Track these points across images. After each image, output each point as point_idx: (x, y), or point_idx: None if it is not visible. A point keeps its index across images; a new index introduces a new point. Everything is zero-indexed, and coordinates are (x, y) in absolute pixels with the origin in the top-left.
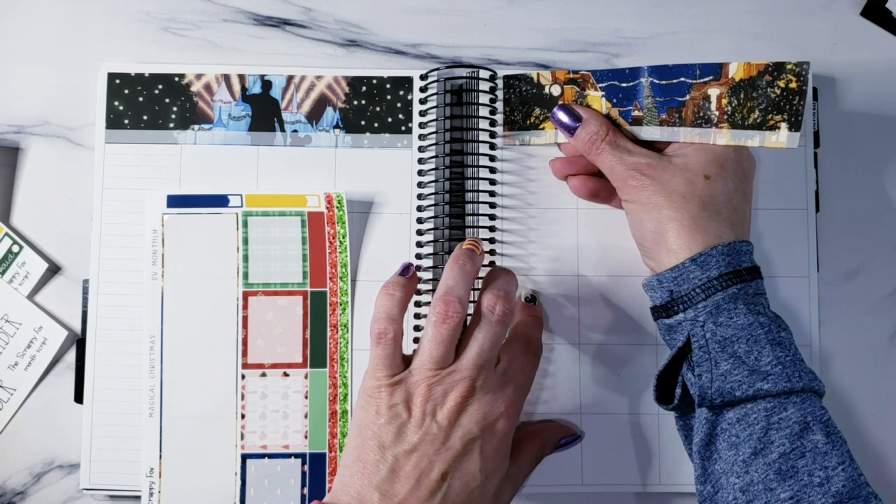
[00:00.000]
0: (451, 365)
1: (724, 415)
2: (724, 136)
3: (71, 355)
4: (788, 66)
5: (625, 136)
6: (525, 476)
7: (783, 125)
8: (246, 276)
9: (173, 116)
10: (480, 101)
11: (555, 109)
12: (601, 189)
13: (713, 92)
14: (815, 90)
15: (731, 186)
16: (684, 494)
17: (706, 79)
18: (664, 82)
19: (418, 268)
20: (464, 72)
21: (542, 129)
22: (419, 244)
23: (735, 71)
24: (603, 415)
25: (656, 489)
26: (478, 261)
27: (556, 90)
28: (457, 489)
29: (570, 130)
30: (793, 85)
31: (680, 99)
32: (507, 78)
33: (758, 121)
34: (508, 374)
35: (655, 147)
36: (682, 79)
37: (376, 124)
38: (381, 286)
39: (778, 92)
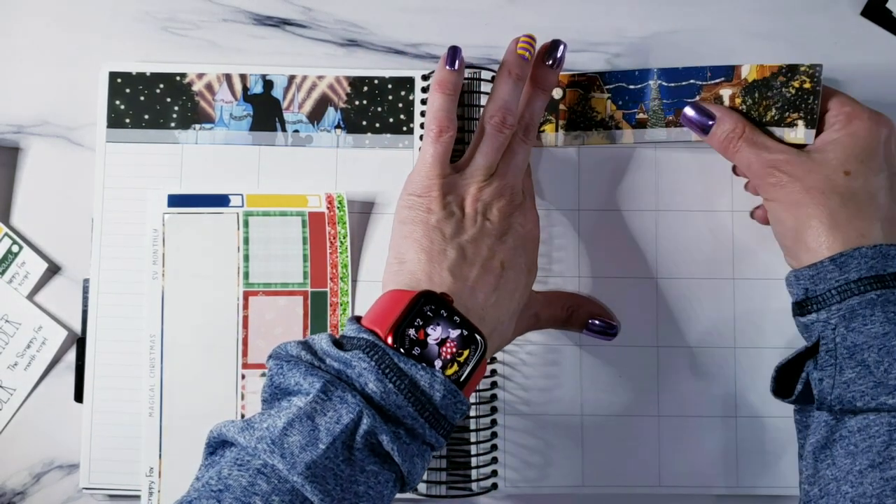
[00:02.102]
0: (495, 173)
1: (846, 422)
2: None
3: (71, 355)
4: (802, 69)
5: (763, 132)
6: (548, 311)
7: (800, 122)
8: (246, 275)
9: (174, 116)
10: (482, 101)
11: (685, 109)
12: None
13: (725, 92)
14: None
15: (876, 182)
16: (684, 496)
17: (717, 80)
18: (673, 84)
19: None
20: (465, 72)
21: (542, 130)
22: None
23: (748, 72)
24: (603, 416)
25: (656, 491)
26: (527, 68)
27: (557, 93)
28: (511, 280)
29: (704, 129)
30: (807, 85)
31: (689, 100)
32: None
33: (776, 118)
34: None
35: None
36: (691, 81)
37: (378, 124)
38: (433, 84)
39: (793, 91)
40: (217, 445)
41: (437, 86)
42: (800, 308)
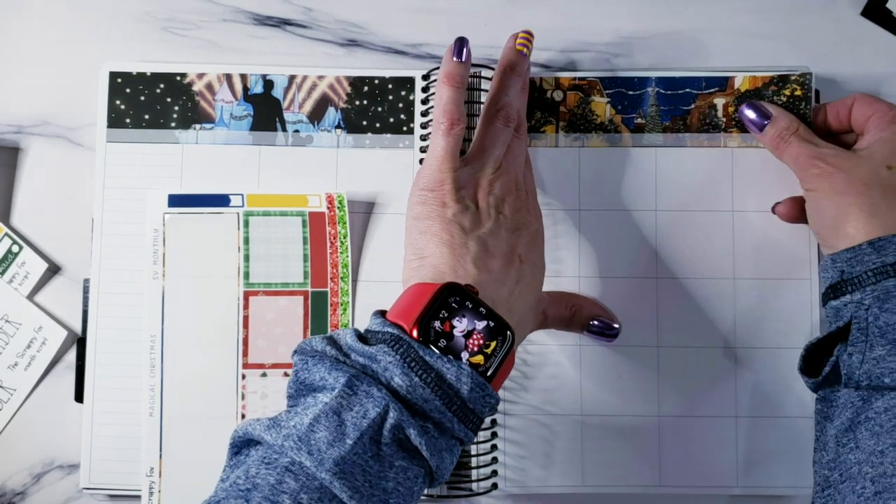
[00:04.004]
0: (500, 167)
1: (873, 404)
2: (734, 140)
3: (71, 355)
4: (793, 78)
5: (814, 132)
6: (553, 310)
7: None
8: (247, 275)
9: (175, 116)
10: (482, 100)
11: (742, 107)
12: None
13: (719, 101)
14: (816, 92)
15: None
16: (684, 496)
17: (712, 90)
18: (669, 92)
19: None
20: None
21: (543, 131)
22: None
23: (741, 83)
24: (603, 416)
25: (656, 491)
26: (525, 64)
27: (557, 95)
28: (528, 273)
29: (759, 127)
30: (798, 93)
31: (684, 108)
32: None
33: None
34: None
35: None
36: (687, 89)
37: (378, 124)
38: (441, 77)
39: (784, 99)
40: (242, 445)
41: (445, 79)
42: (833, 291)
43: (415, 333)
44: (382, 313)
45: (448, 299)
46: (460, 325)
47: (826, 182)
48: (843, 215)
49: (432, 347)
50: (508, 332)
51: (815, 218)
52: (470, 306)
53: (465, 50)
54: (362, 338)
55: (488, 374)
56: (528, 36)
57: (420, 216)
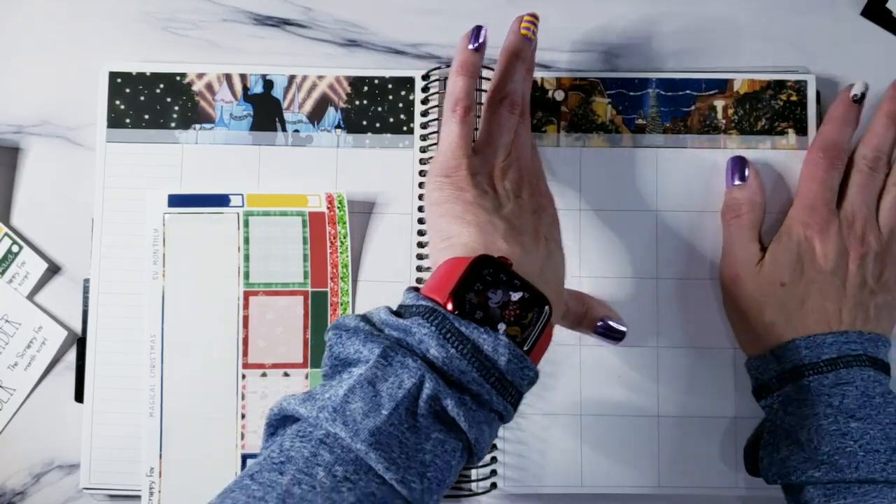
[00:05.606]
0: (510, 154)
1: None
2: (734, 141)
3: (71, 355)
4: (788, 84)
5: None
6: (571, 303)
7: (790, 131)
8: (247, 275)
9: (175, 116)
10: (481, 99)
11: (731, 158)
12: None
13: (718, 103)
14: (818, 93)
15: (786, 288)
16: (684, 496)
17: (711, 92)
18: (669, 94)
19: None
20: None
21: (544, 131)
22: (420, 245)
23: (739, 86)
24: (603, 416)
25: (655, 491)
26: (529, 49)
27: (559, 95)
28: (555, 252)
29: (729, 181)
30: (794, 98)
31: (685, 109)
32: None
33: (766, 127)
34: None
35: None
36: (687, 91)
37: (378, 124)
38: (455, 66)
39: (781, 103)
40: (278, 424)
41: (459, 68)
42: (755, 394)
43: (450, 306)
44: (416, 289)
45: (482, 271)
46: (495, 297)
47: (733, 289)
48: (742, 323)
49: (468, 319)
50: (546, 305)
51: (727, 310)
52: (504, 278)
53: (482, 35)
54: (396, 313)
55: (525, 346)
56: (533, 19)
57: (438, 201)
